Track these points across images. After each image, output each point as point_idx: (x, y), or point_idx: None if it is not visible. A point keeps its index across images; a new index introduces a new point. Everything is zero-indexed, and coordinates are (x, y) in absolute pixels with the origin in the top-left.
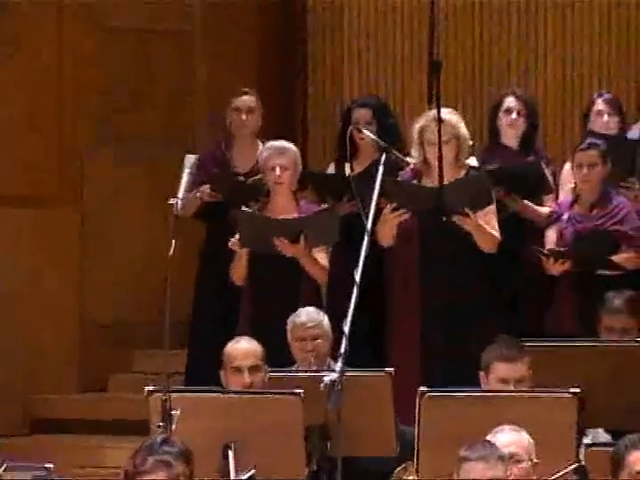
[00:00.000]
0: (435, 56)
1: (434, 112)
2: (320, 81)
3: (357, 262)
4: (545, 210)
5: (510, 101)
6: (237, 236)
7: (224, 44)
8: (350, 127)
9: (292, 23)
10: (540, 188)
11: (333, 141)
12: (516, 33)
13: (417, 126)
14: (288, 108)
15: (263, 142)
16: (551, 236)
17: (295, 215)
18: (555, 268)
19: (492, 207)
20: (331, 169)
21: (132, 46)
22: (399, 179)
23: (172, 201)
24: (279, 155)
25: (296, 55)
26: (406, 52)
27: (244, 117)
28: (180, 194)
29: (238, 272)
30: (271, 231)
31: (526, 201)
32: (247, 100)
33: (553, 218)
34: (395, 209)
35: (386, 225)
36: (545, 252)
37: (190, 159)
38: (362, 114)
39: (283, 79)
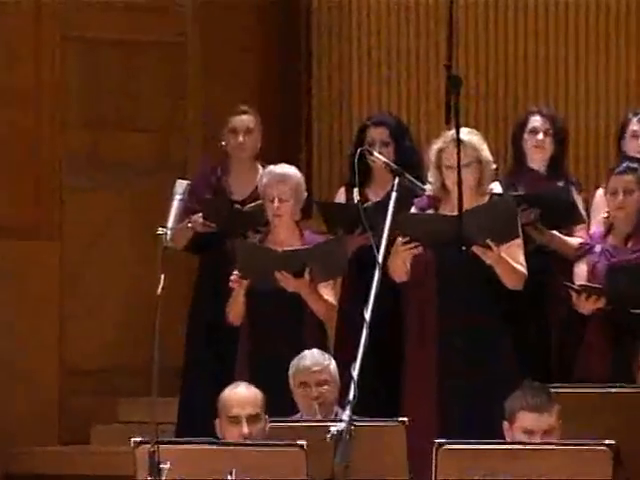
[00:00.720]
0: (454, 69)
1: (453, 133)
2: (326, 97)
3: (367, 299)
4: (575, 241)
5: (536, 120)
6: (235, 270)
7: (219, 56)
8: (360, 148)
9: (294, 25)
10: (570, 217)
11: (342, 164)
12: (544, 41)
13: (434, 148)
14: (291, 126)
15: (263, 166)
16: (581, 270)
17: (299, 246)
18: (587, 306)
19: (518, 239)
20: (340, 195)
21: (116, 59)
22: (413, 210)
23: (161, 232)
24: (278, 184)
25: (299, 71)
26: (421, 55)
27: (241, 139)
28: (170, 224)
29: (235, 310)
30: (272, 264)
31: (554, 231)
32: (245, 120)
33: (584, 250)
34: (408, 241)
35: (398, 259)
36: (576, 288)
37: (181, 185)
38: (378, 134)
39: (286, 93)
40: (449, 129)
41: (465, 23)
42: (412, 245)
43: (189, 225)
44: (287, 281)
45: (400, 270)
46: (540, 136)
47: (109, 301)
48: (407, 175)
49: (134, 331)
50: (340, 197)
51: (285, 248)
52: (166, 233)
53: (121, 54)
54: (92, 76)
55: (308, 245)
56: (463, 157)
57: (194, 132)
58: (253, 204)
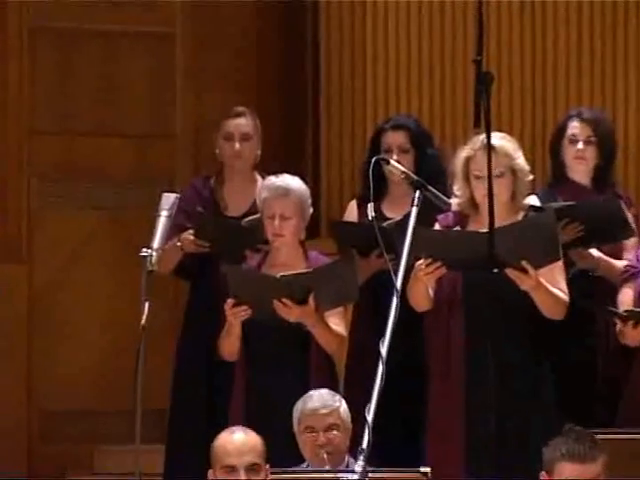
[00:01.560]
0: (484, 64)
1: (483, 138)
2: (336, 94)
3: (384, 331)
4: (620, 264)
5: (575, 126)
6: (230, 299)
7: (212, 51)
8: (376, 157)
9: (299, 19)
10: (620, 231)
11: (354, 174)
12: (588, 32)
13: (461, 156)
14: (295, 130)
15: (263, 176)
16: (627, 295)
17: (301, 270)
18: (634, 335)
19: (559, 261)
20: (351, 211)
21: (93, 54)
22: (437, 227)
23: (145, 253)
24: (280, 199)
25: (305, 62)
26: (447, 50)
27: (238, 146)
28: (155, 244)
29: (229, 344)
30: (270, 291)
31: (598, 253)
32: (242, 124)
33: (630, 273)
34: (430, 263)
35: (419, 284)
36: (623, 314)
37: (168, 199)
38: (395, 139)
39: (289, 93)
40: (478, 134)
41: (497, 11)
42: (435, 266)
43: (178, 244)
44: (288, 310)
45: (421, 297)
46: (580, 145)
47: (85, 333)
48: (429, 187)
49: (114, 367)
50: (351, 213)
51: (284, 273)
52: (151, 255)
53: (99, 48)
54: (65, 74)
55: (313, 267)
56: (495, 166)
57: (183, 138)
58: (252, 217)
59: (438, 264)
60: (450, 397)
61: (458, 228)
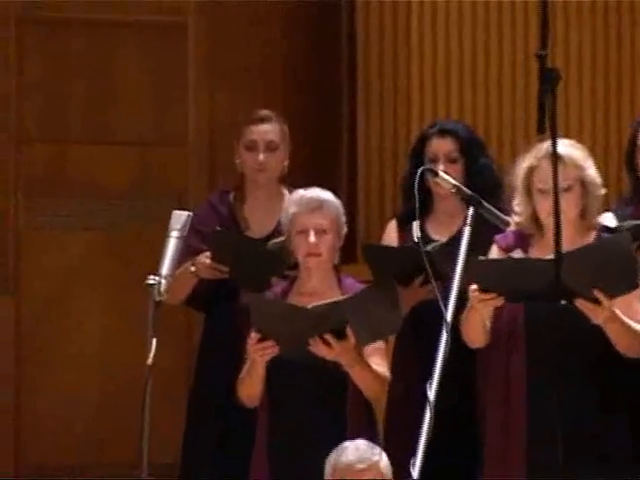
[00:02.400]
0: (550, 60)
1: (548, 146)
2: (376, 101)
3: (431, 372)
4: None
5: None
6: (253, 334)
7: (231, 45)
8: (422, 167)
9: (332, 11)
10: None
11: (396, 188)
12: None
13: (522, 167)
14: (328, 138)
15: (291, 190)
16: None
17: (335, 298)
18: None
19: (638, 290)
20: (390, 232)
21: (88, 48)
22: (494, 250)
23: (152, 281)
24: (313, 213)
25: (339, 61)
26: (505, 46)
27: (262, 157)
28: (164, 270)
29: (251, 388)
30: (301, 325)
31: None
32: (267, 131)
33: None
34: (486, 291)
35: (475, 315)
36: None
37: (179, 217)
38: (442, 147)
39: (320, 96)
40: (542, 141)
41: (564, 11)
42: (492, 296)
43: (191, 270)
44: (323, 348)
45: (477, 331)
46: None
47: (80, 374)
48: (485, 204)
49: (114, 415)
50: (390, 234)
51: (316, 303)
52: (159, 283)
53: (96, 40)
54: (57, 70)
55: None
56: (562, 179)
57: (196, 145)
58: (279, 240)
59: (494, 295)
60: (508, 445)
61: (519, 252)
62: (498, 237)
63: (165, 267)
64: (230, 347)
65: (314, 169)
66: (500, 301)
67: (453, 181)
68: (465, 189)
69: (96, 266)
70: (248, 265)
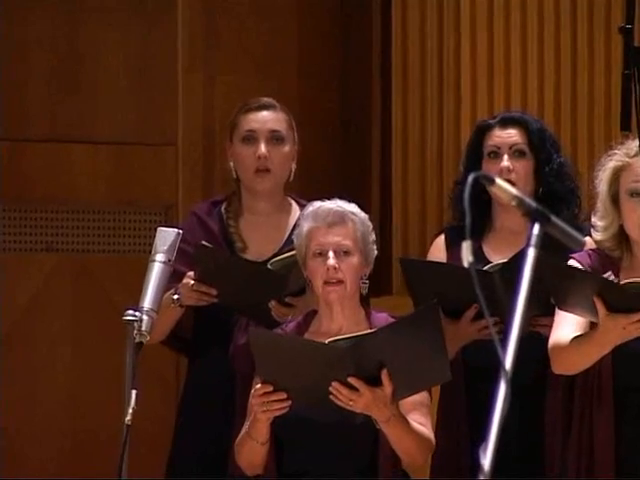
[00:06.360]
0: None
1: (636, 144)
2: (416, 91)
3: (485, 432)
4: None
5: None
6: (259, 385)
7: (229, 20)
8: (475, 174)
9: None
10: None
11: (440, 198)
12: None
13: (607, 168)
14: (352, 137)
15: (300, 204)
16: None
17: (362, 331)
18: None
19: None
20: (438, 249)
21: (60, 27)
22: (573, 272)
23: (131, 317)
24: (333, 228)
25: (368, 53)
26: (581, 27)
27: (263, 149)
28: (147, 303)
29: (252, 453)
30: (321, 369)
31: None
32: (269, 119)
33: None
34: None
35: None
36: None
37: (166, 236)
38: (506, 139)
39: (345, 86)
40: (630, 138)
41: None
42: None
43: (174, 298)
44: (355, 397)
45: (592, 360)
46: None
47: (47, 424)
48: (554, 219)
49: (88, 474)
50: (438, 252)
51: (335, 337)
52: (140, 320)
53: (68, 19)
54: (21, 56)
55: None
56: None
57: (186, 147)
58: (283, 257)
59: None
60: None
61: (611, 275)
62: (577, 256)
63: (147, 299)
64: (223, 399)
65: (335, 180)
66: None
67: (514, 190)
68: (529, 201)
69: (61, 297)
70: (242, 287)
